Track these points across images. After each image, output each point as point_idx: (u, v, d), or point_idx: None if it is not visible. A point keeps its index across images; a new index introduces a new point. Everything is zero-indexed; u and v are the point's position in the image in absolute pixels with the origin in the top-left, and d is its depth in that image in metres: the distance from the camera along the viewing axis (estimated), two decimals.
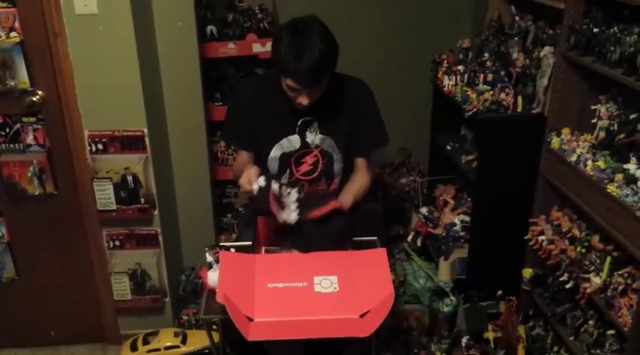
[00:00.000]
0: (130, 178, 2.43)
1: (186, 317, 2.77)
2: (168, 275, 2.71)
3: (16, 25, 2.24)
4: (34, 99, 2.34)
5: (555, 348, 2.33)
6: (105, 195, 2.45)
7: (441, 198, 2.95)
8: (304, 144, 2.04)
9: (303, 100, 1.86)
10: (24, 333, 2.80)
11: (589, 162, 2.03)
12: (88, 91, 2.35)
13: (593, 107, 2.14)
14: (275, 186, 1.77)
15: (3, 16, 2.22)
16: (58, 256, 2.66)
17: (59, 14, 2.23)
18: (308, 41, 1.77)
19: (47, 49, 2.29)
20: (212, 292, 1.71)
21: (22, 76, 2.30)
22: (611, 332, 2.03)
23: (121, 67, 2.31)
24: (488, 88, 2.50)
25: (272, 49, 1.86)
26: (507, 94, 2.40)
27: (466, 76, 2.65)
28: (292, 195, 1.79)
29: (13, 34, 2.25)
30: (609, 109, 2.08)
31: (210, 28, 2.75)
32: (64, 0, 2.19)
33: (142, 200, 2.47)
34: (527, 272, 2.45)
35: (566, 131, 2.21)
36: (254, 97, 2.04)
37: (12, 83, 2.30)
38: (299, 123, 2.00)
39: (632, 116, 1.96)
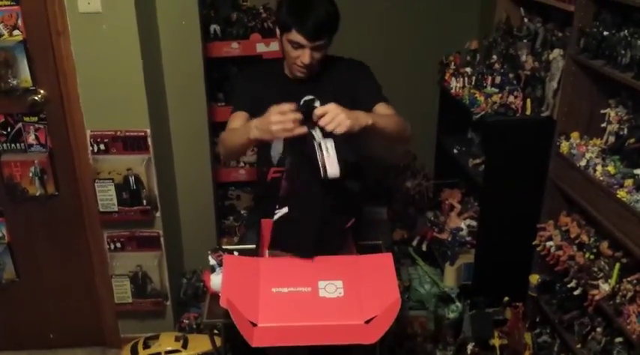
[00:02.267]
0: (132, 179, 2.40)
1: (187, 321, 2.74)
2: (170, 279, 2.68)
3: (19, 23, 2.22)
4: (36, 98, 2.32)
5: None
6: (107, 196, 2.42)
7: (447, 202, 2.92)
8: None
9: (305, 58, 1.86)
10: (23, 336, 2.78)
11: (598, 167, 2.02)
12: (90, 91, 2.33)
13: (602, 111, 2.12)
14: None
15: (6, 13, 2.20)
16: (59, 258, 2.63)
17: (62, 12, 2.21)
18: None
19: (50, 48, 2.27)
20: (215, 296, 1.68)
21: (24, 75, 2.28)
22: (619, 339, 2.01)
23: (124, 65, 2.29)
24: (497, 90, 2.48)
25: (277, 10, 1.92)
26: (516, 97, 2.38)
27: (474, 78, 2.62)
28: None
29: (16, 32, 2.23)
30: (619, 113, 2.06)
31: (214, 27, 2.73)
32: None
33: (144, 201, 2.44)
34: (535, 279, 2.42)
35: (575, 135, 2.19)
36: (257, 81, 2.06)
37: (14, 82, 2.28)
38: (301, 103, 1.99)
39: None
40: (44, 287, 2.68)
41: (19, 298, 2.69)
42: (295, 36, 1.84)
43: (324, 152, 1.55)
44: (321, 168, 1.55)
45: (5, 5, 2.19)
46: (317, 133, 1.59)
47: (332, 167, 1.54)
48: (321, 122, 1.58)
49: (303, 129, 1.61)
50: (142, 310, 2.67)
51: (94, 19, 2.20)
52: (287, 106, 1.62)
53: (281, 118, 1.61)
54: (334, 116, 1.57)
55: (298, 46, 1.86)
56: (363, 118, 1.66)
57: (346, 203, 1.68)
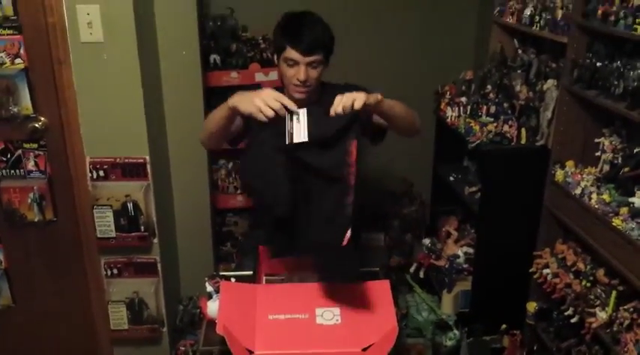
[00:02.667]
0: (130, 205, 2.41)
1: (183, 348, 2.71)
2: (166, 305, 2.67)
3: (21, 51, 2.25)
4: (37, 125, 2.34)
5: None
6: (105, 223, 2.43)
7: (444, 229, 2.93)
8: None
9: (300, 74, 1.87)
10: None
11: (593, 196, 2.03)
12: (90, 118, 2.34)
13: (596, 140, 2.14)
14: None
15: (8, 42, 2.23)
16: (56, 284, 2.62)
17: (64, 41, 2.24)
18: (308, 16, 1.91)
19: (51, 76, 2.30)
20: (211, 323, 1.68)
21: (25, 103, 2.30)
22: None
23: (124, 94, 2.31)
24: (492, 119, 2.51)
25: (273, 35, 1.95)
26: (511, 126, 2.41)
27: (469, 107, 2.66)
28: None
29: (17, 60, 2.26)
30: (613, 142, 2.08)
31: (214, 57, 2.77)
32: (70, 27, 2.21)
33: (142, 228, 2.45)
34: (532, 306, 2.42)
35: (570, 164, 2.21)
36: None
37: (15, 109, 2.30)
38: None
39: (636, 149, 1.96)
40: (40, 314, 2.66)
41: (15, 324, 2.67)
42: (290, 52, 1.86)
43: (294, 120, 1.54)
44: (287, 135, 1.52)
45: (8, 34, 2.22)
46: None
47: (299, 135, 1.51)
48: (340, 109, 1.52)
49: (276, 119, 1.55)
50: (137, 337, 2.65)
51: (95, 49, 2.23)
52: (286, 99, 1.60)
53: (270, 101, 1.57)
54: (347, 98, 1.53)
55: (294, 62, 1.88)
56: (371, 93, 1.64)
57: (333, 210, 1.55)
